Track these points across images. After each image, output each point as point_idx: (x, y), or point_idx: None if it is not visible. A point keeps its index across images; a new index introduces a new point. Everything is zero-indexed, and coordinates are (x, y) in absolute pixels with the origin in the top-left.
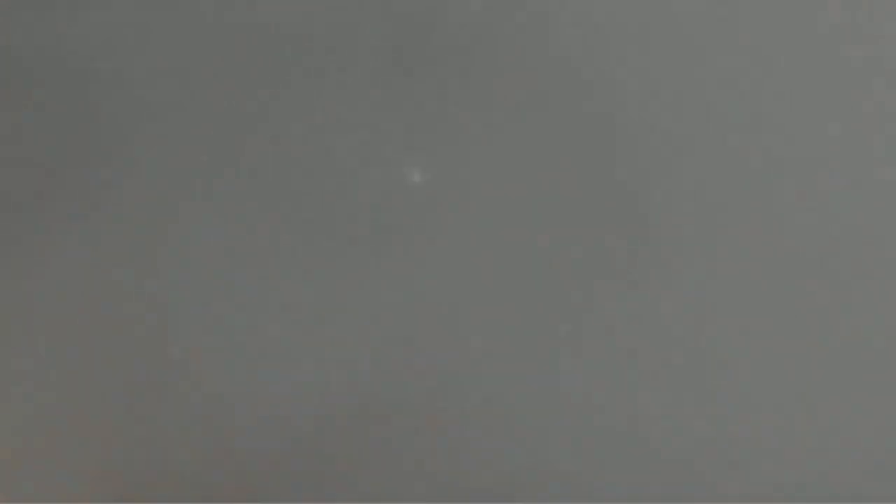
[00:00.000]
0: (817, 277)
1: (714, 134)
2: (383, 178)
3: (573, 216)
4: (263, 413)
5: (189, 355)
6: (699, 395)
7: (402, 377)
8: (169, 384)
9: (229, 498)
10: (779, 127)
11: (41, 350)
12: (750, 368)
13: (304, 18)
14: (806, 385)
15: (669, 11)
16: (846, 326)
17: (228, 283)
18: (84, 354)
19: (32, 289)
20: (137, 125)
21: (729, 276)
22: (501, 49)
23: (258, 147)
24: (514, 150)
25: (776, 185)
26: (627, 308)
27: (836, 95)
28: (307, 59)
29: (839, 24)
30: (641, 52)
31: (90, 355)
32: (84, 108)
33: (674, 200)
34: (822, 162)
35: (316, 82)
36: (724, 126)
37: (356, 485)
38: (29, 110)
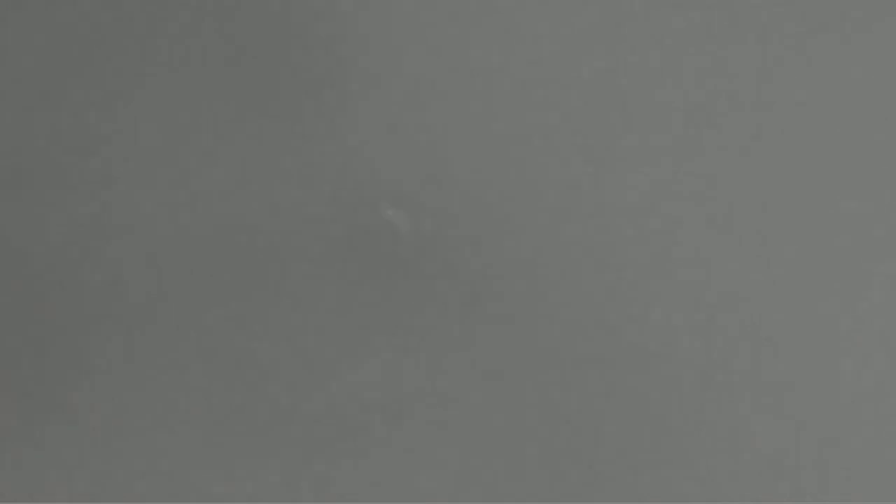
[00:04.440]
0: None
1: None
2: (349, 385)
3: (539, 443)
4: None
5: None
6: None
7: None
8: None
9: None
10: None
11: None
12: None
13: (277, 226)
14: None
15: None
16: None
17: (197, 482)
18: None
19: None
20: (109, 326)
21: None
22: (465, 269)
23: (225, 355)
24: (479, 363)
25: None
26: None
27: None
28: (275, 268)
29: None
30: (612, 297)
31: None
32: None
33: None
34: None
35: (285, 296)
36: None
37: None
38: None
